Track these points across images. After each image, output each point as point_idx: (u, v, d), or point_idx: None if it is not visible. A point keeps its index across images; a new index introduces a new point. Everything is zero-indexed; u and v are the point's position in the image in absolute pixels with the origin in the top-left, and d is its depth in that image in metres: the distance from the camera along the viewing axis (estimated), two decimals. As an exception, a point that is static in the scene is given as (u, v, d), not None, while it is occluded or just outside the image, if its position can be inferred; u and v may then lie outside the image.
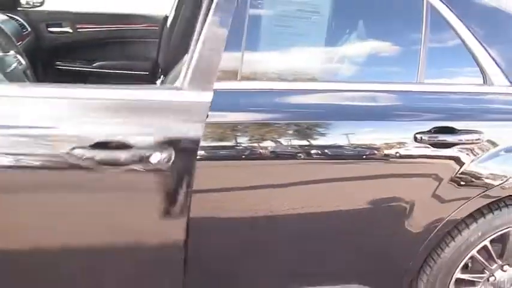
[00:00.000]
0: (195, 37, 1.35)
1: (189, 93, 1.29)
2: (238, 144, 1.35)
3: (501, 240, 1.65)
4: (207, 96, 1.28)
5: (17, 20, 2.47)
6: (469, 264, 1.70)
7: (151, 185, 1.30)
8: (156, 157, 1.23)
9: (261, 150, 1.36)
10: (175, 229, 1.35)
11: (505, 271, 1.71)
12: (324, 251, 1.59)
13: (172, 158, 1.25)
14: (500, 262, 1.69)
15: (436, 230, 1.54)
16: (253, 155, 1.36)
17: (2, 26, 1.84)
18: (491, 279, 1.71)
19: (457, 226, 1.58)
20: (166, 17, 2.73)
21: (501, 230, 1.61)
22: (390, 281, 1.66)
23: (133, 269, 1.45)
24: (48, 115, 1.27)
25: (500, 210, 1.59)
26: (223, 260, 1.49)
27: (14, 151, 1.22)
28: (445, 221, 1.53)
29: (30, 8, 2.71)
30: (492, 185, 1.51)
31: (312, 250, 1.57)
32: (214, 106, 1.29)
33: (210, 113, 1.28)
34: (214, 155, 1.33)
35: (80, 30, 2.75)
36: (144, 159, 1.24)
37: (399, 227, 1.53)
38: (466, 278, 1.68)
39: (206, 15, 1.34)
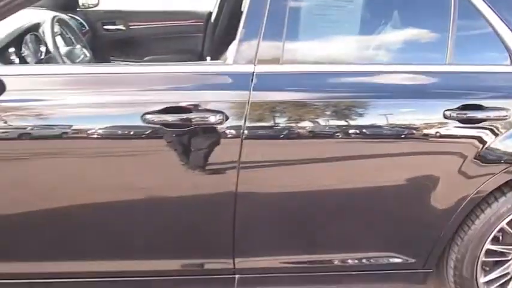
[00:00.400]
0: (240, 25, 1.52)
1: (235, 66, 1.49)
2: (276, 125, 1.51)
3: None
4: (249, 68, 1.48)
5: (77, 19, 2.72)
6: (500, 237, 1.79)
7: (209, 141, 1.49)
8: (212, 118, 1.44)
9: (299, 130, 1.52)
10: (228, 180, 1.52)
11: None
12: (360, 223, 1.72)
13: (225, 119, 1.44)
14: (530, 235, 1.77)
15: (464, 203, 1.65)
16: (292, 134, 1.52)
17: (70, 23, 2.08)
18: (523, 251, 1.80)
19: (485, 199, 1.68)
20: (210, 13, 2.93)
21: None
22: (423, 250, 1.77)
23: (190, 221, 1.64)
24: (129, 87, 1.51)
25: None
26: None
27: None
28: (472, 193, 1.63)
29: (87, 8, 2.97)
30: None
31: (349, 222, 1.71)
32: (259, 86, 1.47)
33: (254, 92, 1.46)
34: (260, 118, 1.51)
35: (131, 27, 3.00)
36: (204, 121, 1.45)
37: (430, 200, 1.64)
38: (497, 249, 1.77)
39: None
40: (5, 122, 1.43)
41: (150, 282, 1.75)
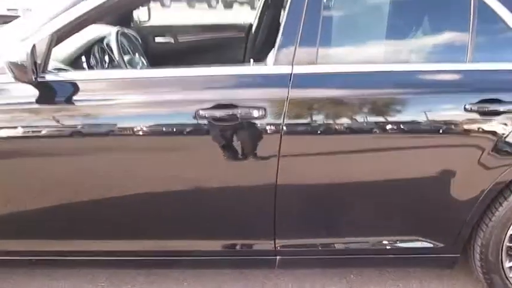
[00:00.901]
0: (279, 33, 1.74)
1: (275, 67, 1.71)
2: (312, 119, 1.72)
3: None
4: (287, 70, 1.69)
5: (132, 33, 3.03)
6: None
7: (254, 136, 1.71)
8: (255, 113, 1.66)
9: (332, 125, 1.72)
10: (269, 169, 1.74)
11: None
12: (393, 210, 1.89)
13: (265, 114, 1.66)
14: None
15: (487, 190, 1.79)
16: (325, 128, 1.72)
17: (130, 36, 2.39)
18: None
19: (508, 186, 1.81)
20: (250, 25, 3.18)
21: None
22: (450, 236, 1.91)
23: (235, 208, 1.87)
24: (185, 87, 1.77)
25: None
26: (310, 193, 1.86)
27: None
28: (494, 181, 1.77)
29: (140, 23, 3.28)
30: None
31: (383, 209, 1.89)
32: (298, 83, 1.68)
33: (292, 89, 1.67)
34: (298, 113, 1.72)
35: (180, 40, 3.29)
36: (247, 116, 1.67)
37: (456, 187, 1.79)
38: (521, 235, 1.89)
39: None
40: (79, 119, 1.71)
41: (202, 261, 1.98)
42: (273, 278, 2.15)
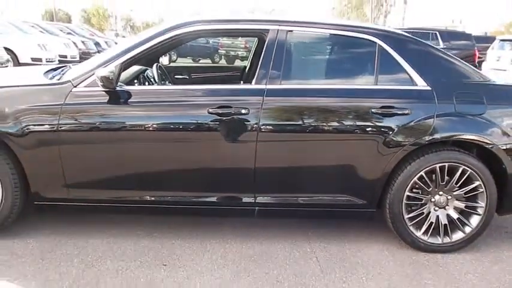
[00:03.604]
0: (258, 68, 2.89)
1: (256, 85, 2.84)
2: (279, 117, 2.83)
3: (432, 174, 2.90)
4: (263, 86, 2.81)
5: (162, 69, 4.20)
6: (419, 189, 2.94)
7: (242, 126, 2.77)
8: (243, 111, 2.75)
9: (292, 121, 2.82)
10: (249, 151, 2.80)
11: (440, 195, 2.95)
12: (332, 179, 2.94)
13: (249, 112, 2.75)
14: (435, 189, 2.92)
15: (387, 166, 2.84)
16: (289, 121, 2.83)
17: (161, 70, 3.57)
18: (432, 200, 2.95)
19: (400, 165, 2.87)
20: (244, 67, 4.37)
21: (427, 167, 2.86)
22: (368, 196, 2.95)
23: (228, 178, 2.92)
24: (200, 96, 2.90)
25: (424, 156, 2.86)
26: (275, 172, 2.92)
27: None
28: (389, 162, 2.84)
29: (163, 65, 4.46)
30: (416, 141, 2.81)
31: (326, 178, 2.94)
32: (269, 94, 2.80)
33: (266, 97, 2.78)
34: (269, 115, 2.80)
35: (193, 77, 4.46)
36: (238, 113, 2.75)
37: (370, 164, 2.85)
38: (413, 195, 2.93)
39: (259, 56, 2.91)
40: (131, 116, 2.81)
41: (200, 209, 3.02)
42: (251, 239, 3.16)
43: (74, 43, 15.14)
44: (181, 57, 17.08)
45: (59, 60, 12.64)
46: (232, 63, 18.20)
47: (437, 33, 14.91)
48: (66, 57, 13.60)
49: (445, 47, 14.12)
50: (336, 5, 67.62)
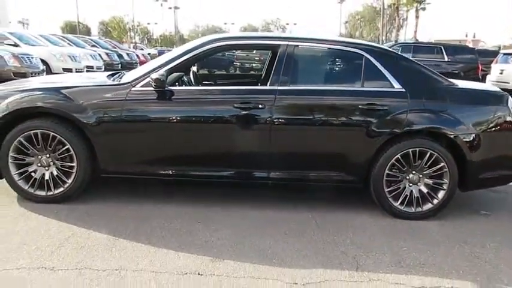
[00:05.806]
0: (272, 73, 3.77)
1: (270, 86, 3.72)
2: (288, 110, 3.69)
3: (406, 157, 3.72)
4: (276, 87, 3.69)
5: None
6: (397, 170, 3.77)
7: (259, 117, 3.64)
8: (260, 106, 3.62)
9: (299, 114, 3.69)
10: (264, 137, 3.67)
11: (413, 174, 3.77)
12: (330, 159, 3.78)
13: (265, 107, 3.62)
14: (409, 169, 3.75)
15: (371, 150, 3.69)
16: (296, 113, 3.70)
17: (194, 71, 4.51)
18: (407, 177, 3.77)
19: (382, 148, 3.71)
20: (260, 74, 5.27)
21: (402, 151, 3.69)
22: (356, 173, 3.79)
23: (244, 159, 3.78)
24: (227, 94, 3.78)
25: (400, 142, 3.69)
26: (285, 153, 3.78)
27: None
28: (372, 147, 3.69)
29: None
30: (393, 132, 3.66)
31: (325, 159, 3.79)
32: (280, 94, 3.67)
33: (278, 96, 3.66)
34: (279, 111, 3.67)
35: (218, 83, 5.39)
36: (256, 107, 3.62)
37: (358, 148, 3.70)
38: (392, 173, 3.76)
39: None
40: (176, 110, 3.70)
41: (226, 182, 3.88)
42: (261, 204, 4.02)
43: (99, 55, 16.25)
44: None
45: (86, 71, 13.71)
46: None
47: (441, 47, 15.57)
48: (92, 68, 14.68)
49: (449, 60, 14.90)
50: (349, 19, 68.75)
